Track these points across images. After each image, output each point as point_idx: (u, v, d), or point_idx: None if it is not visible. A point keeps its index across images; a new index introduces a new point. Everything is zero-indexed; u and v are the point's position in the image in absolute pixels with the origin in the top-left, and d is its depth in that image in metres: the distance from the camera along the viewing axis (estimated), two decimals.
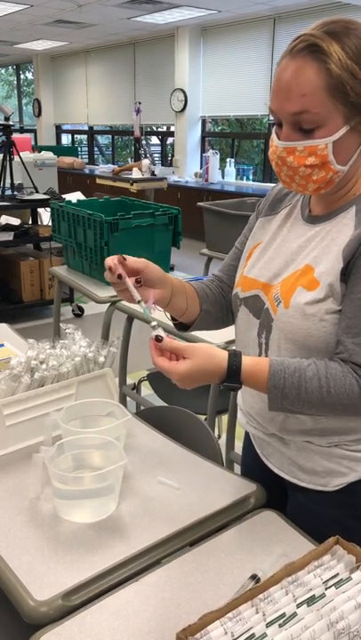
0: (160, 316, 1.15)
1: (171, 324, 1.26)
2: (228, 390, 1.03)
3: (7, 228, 4.90)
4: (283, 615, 0.81)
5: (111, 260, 1.07)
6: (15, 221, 5.09)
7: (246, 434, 1.32)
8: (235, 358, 1.00)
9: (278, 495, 1.24)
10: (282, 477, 1.20)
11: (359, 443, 1.10)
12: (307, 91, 0.94)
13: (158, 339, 0.99)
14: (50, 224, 3.79)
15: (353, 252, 0.99)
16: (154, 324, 1.02)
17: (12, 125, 5.20)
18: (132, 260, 1.08)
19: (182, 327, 1.26)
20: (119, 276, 1.05)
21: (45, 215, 5.30)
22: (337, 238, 1.03)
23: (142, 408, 2.65)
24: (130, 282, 1.06)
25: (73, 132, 12.81)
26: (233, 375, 1.00)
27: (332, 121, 0.96)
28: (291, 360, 1.02)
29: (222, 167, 8.75)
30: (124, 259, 1.07)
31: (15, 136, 5.38)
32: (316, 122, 0.96)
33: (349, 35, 0.94)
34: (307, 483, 1.15)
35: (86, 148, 12.37)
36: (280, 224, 1.18)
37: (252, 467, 1.31)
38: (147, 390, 2.97)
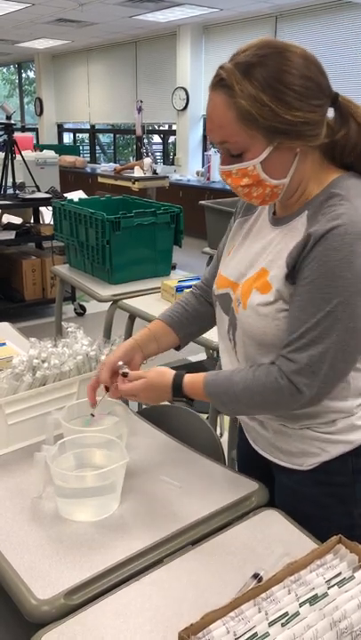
0: None
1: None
2: (180, 402, 1.23)
3: (9, 226, 4.90)
4: (285, 614, 0.81)
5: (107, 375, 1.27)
6: (17, 220, 5.10)
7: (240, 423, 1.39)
8: (178, 376, 1.19)
9: (267, 478, 1.29)
10: (267, 459, 1.27)
11: (328, 425, 1.16)
12: (222, 123, 1.01)
13: (125, 374, 1.24)
14: (52, 223, 3.79)
15: (296, 258, 1.05)
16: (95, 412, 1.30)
17: (14, 124, 5.20)
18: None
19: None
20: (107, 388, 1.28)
21: (47, 214, 5.29)
22: (289, 243, 1.08)
23: (144, 407, 2.65)
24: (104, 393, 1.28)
25: (75, 131, 12.80)
26: (177, 389, 1.18)
27: (253, 145, 1.02)
28: (226, 370, 1.18)
29: None
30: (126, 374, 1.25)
31: (17, 135, 5.39)
32: (240, 148, 1.02)
33: (261, 64, 0.98)
34: (286, 462, 1.22)
35: (88, 147, 12.37)
36: (251, 224, 1.23)
37: (245, 452, 1.37)
38: None
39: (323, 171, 1.08)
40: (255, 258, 1.16)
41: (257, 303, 1.10)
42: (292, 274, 1.05)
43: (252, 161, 1.03)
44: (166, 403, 1.42)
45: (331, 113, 1.06)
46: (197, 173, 8.94)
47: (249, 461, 1.35)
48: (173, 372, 1.20)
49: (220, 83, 1.00)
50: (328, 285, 1.00)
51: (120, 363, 1.26)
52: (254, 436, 1.29)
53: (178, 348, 1.40)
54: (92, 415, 1.30)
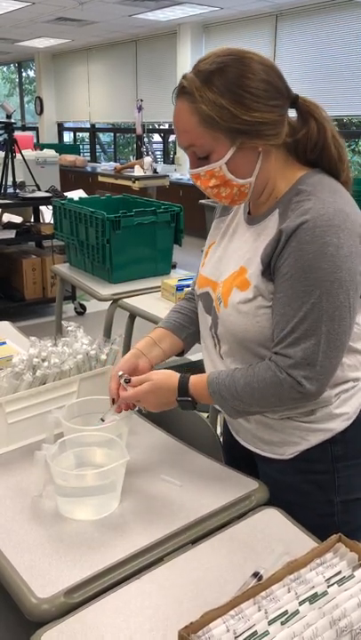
0: None
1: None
2: (184, 406, 1.22)
3: (9, 225, 4.90)
4: (285, 613, 0.81)
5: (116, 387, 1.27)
6: (17, 219, 5.10)
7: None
8: (184, 377, 1.21)
9: (251, 469, 1.31)
10: (250, 450, 1.30)
11: (308, 415, 1.19)
12: (187, 128, 1.07)
13: (127, 381, 1.24)
14: (52, 222, 3.79)
15: (270, 254, 1.09)
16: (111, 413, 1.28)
17: (14, 123, 5.19)
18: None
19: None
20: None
21: (47, 213, 5.29)
22: (264, 241, 1.12)
23: None
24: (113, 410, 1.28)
25: (75, 130, 12.80)
26: (183, 389, 1.19)
27: (218, 146, 1.07)
28: (229, 369, 1.18)
29: None
30: (128, 381, 1.25)
31: (17, 134, 5.37)
32: (206, 150, 1.08)
33: (220, 71, 1.03)
34: (267, 452, 1.26)
35: (88, 146, 12.36)
36: (228, 225, 1.28)
37: (229, 444, 1.40)
38: None
39: (289, 169, 1.13)
40: (233, 257, 1.20)
41: (237, 301, 1.14)
42: (268, 270, 1.10)
43: (217, 162, 1.08)
44: None
45: (293, 114, 1.11)
46: None
47: (233, 453, 1.39)
48: (178, 374, 1.22)
49: (182, 91, 1.07)
50: (307, 278, 1.04)
51: (120, 373, 1.27)
52: (237, 428, 1.32)
53: (182, 353, 1.41)
54: (102, 420, 1.29)
